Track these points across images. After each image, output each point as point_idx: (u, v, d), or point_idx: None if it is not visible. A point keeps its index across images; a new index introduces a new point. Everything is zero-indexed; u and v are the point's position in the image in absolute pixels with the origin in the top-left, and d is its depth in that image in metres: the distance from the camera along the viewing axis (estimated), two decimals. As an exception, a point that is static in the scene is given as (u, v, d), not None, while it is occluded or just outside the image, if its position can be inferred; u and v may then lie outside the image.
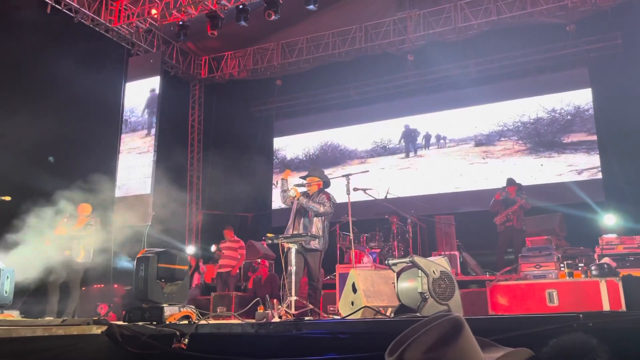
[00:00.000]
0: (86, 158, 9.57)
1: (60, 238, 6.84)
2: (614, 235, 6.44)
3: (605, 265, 5.59)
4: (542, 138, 10.35)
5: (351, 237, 6.56)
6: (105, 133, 10.98)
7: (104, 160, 10.69)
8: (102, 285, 9.34)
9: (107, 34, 11.28)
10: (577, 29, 9.96)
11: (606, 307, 5.48)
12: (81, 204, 7.31)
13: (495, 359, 1.62)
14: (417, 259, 3.77)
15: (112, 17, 11.17)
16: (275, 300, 5.12)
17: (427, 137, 11.49)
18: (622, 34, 9.83)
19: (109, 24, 11.12)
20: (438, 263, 3.82)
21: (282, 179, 6.30)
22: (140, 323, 3.74)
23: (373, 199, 7.93)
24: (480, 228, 9.18)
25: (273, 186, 6.34)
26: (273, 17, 9.92)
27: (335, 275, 7.29)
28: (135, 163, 10.96)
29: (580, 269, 6.19)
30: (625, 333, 2.69)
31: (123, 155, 11.22)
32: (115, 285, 9.37)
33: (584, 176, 9.78)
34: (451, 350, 1.52)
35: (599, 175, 9.65)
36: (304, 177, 6.16)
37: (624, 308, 5.39)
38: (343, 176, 6.31)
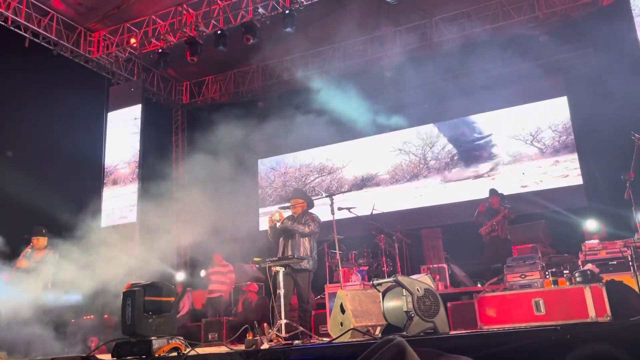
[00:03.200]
0: (70, 190, 9.53)
1: (20, 271, 6.76)
2: (596, 241, 6.54)
3: (589, 272, 5.67)
4: (521, 147, 10.50)
5: (338, 257, 6.59)
6: (88, 163, 10.97)
7: (89, 191, 10.66)
8: (93, 317, 9.24)
9: (87, 65, 11.32)
10: (551, 39, 10.17)
11: (592, 313, 5.54)
12: (35, 236, 7.20)
13: None
14: (401, 278, 3.82)
15: (91, 48, 11.23)
16: (265, 324, 5.14)
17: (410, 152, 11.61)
18: (593, 42, 10.05)
19: (89, 54, 11.17)
20: (422, 281, 3.87)
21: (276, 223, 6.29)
22: (129, 358, 3.73)
23: (358, 216, 7.99)
24: (467, 239, 9.27)
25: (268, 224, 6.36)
26: (251, 41, 10.05)
27: (324, 295, 7.31)
28: (120, 192, 10.94)
29: (565, 276, 6.27)
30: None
31: (107, 186, 11.19)
32: (106, 316, 9.28)
33: (565, 183, 9.93)
34: None
35: (580, 181, 9.81)
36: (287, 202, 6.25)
37: (608, 313, 5.47)
38: (326, 196, 6.37)
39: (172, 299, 4.13)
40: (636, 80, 8.72)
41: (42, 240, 7.23)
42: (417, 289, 3.76)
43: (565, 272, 6.46)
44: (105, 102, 11.76)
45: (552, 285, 5.98)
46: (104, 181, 11.22)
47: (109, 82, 11.97)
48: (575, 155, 9.98)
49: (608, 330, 2.66)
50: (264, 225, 11.34)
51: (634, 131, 6.27)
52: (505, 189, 9.45)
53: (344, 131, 12.14)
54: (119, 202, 10.88)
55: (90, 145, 11.26)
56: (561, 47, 10.31)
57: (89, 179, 11.14)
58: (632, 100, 8.67)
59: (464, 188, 10.69)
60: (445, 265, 8.46)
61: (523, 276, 6.03)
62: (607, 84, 9.00)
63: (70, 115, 10.00)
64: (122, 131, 11.51)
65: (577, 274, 5.87)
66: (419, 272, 8.43)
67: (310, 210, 6.28)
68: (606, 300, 5.51)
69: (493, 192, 8.84)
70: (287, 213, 6.33)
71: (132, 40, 11.08)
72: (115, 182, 11.15)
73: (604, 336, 2.60)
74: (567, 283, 5.99)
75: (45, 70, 10.25)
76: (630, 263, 6.04)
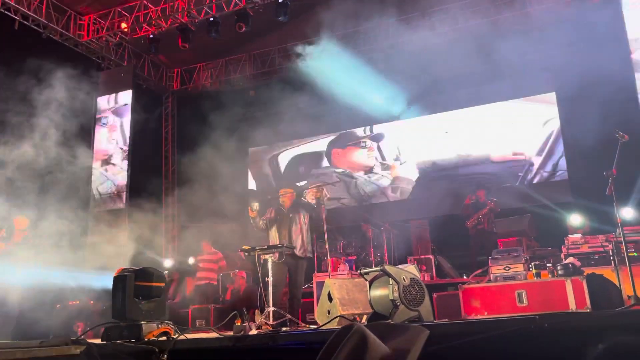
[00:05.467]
0: (59, 175, 9.49)
1: None
2: (578, 236, 6.68)
3: (570, 265, 5.81)
4: (509, 141, 10.61)
5: (327, 246, 6.68)
6: (77, 150, 10.89)
7: (77, 178, 10.61)
8: (78, 302, 9.25)
9: (76, 49, 11.22)
10: (540, 35, 10.22)
11: (572, 305, 5.70)
12: (17, 217, 6.96)
13: (393, 348, 1.82)
14: (388, 268, 3.91)
15: (81, 32, 11.13)
16: (256, 310, 5.23)
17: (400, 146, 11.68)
18: (583, 37, 10.11)
19: (78, 38, 11.07)
20: (408, 270, 3.96)
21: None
22: (119, 341, 3.79)
23: (347, 206, 8.07)
24: (454, 231, 9.39)
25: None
26: (244, 29, 10.03)
27: (312, 284, 7.41)
28: (109, 178, 10.92)
29: (547, 269, 6.41)
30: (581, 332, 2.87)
31: (97, 171, 11.16)
32: (91, 302, 9.29)
33: (551, 178, 10.08)
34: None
35: (566, 177, 9.96)
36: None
37: (588, 305, 5.62)
38: (316, 186, 6.44)
39: (163, 284, 4.19)
40: (624, 77, 8.86)
41: (23, 222, 7.03)
42: (404, 278, 3.84)
43: (548, 265, 6.59)
44: (95, 86, 11.67)
45: (535, 278, 6.11)
46: (93, 166, 11.18)
47: (99, 66, 11.89)
48: (562, 149, 10.10)
49: (586, 320, 2.77)
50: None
51: (619, 129, 6.41)
52: (492, 183, 9.59)
53: (336, 122, 12.18)
54: (107, 188, 10.85)
55: (80, 130, 11.19)
56: (551, 43, 10.37)
57: (78, 165, 11.08)
58: (619, 97, 8.82)
59: (452, 180, 10.80)
60: (432, 257, 8.59)
61: (507, 268, 6.16)
62: (596, 80, 9.12)
63: (59, 99, 9.93)
64: (112, 116, 11.46)
65: (559, 267, 6.02)
66: (406, 262, 8.58)
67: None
68: (586, 292, 5.67)
69: (480, 185, 8.97)
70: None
71: (123, 25, 11.00)
72: (105, 168, 11.11)
73: (581, 326, 2.71)
74: (550, 276, 6.12)
75: (34, 54, 10.15)
76: (612, 257, 6.19)
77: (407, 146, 11.52)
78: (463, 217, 8.87)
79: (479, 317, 6.13)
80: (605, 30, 9.22)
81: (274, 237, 6.45)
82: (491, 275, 6.37)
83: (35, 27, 10.30)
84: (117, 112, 11.41)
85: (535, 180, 10.25)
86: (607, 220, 6.90)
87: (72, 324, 8.75)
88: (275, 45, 11.98)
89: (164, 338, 3.82)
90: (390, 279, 3.83)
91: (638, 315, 3.24)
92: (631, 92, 8.72)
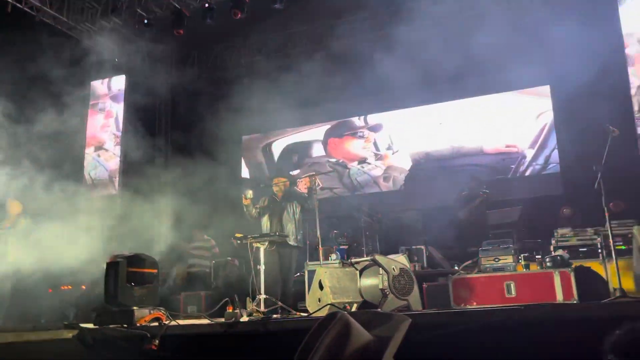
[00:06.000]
0: (50, 161, 9.47)
1: None
2: (568, 229, 6.76)
3: (559, 257, 5.89)
4: (502, 134, 10.66)
5: (319, 235, 6.73)
6: (69, 137, 10.84)
7: (69, 163, 10.58)
8: (71, 287, 9.26)
9: (69, 32, 11.12)
10: (535, 28, 10.20)
11: (559, 297, 5.79)
12: (10, 200, 6.91)
13: (375, 335, 1.88)
14: (378, 257, 3.96)
15: (76, 15, 11.03)
16: (248, 298, 5.28)
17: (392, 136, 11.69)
18: (578, 30, 10.10)
19: (72, 22, 10.97)
20: (398, 261, 4.01)
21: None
22: (111, 326, 3.82)
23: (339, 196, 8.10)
24: (446, 222, 9.44)
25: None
26: (239, 16, 9.98)
27: (304, 272, 7.45)
28: (102, 163, 10.90)
29: (536, 260, 6.50)
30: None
31: (89, 157, 11.13)
32: (83, 287, 9.31)
33: (543, 170, 10.15)
34: (348, 348, 1.80)
35: (558, 169, 10.03)
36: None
37: (575, 297, 5.72)
38: (308, 175, 6.49)
39: (155, 270, 4.23)
40: (617, 71, 8.91)
41: (16, 206, 6.98)
42: (393, 268, 3.89)
43: (537, 256, 6.69)
44: (88, 71, 11.59)
45: (524, 269, 6.19)
46: (86, 151, 11.15)
47: (93, 50, 11.78)
48: (554, 143, 10.16)
49: (573, 311, 2.82)
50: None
51: (612, 122, 6.45)
52: (484, 175, 9.65)
53: (328, 111, 12.18)
54: (100, 173, 10.84)
55: (74, 114, 11.12)
56: (545, 36, 10.36)
57: (72, 148, 11.04)
58: (612, 91, 8.88)
59: (445, 171, 10.86)
60: (423, 247, 8.66)
61: (497, 260, 6.23)
62: (590, 73, 9.16)
63: (52, 84, 9.87)
64: (109, 101, 11.41)
65: (547, 259, 6.10)
66: (397, 252, 8.64)
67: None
68: (574, 284, 5.76)
69: (473, 177, 9.03)
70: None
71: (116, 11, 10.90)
72: (97, 154, 11.09)
73: (566, 317, 2.77)
74: (538, 267, 6.21)
75: (28, 37, 10.07)
76: (599, 250, 6.29)
77: (400, 136, 11.54)
78: (455, 208, 8.93)
79: (468, 307, 6.22)
80: (600, 24, 9.26)
81: (266, 225, 6.52)
82: (481, 266, 6.45)
83: (29, 10, 10.20)
84: (113, 98, 11.36)
85: (528, 173, 10.32)
86: (597, 213, 6.97)
87: (65, 309, 8.77)
88: (271, 33, 11.91)
89: (156, 324, 3.86)
90: (381, 268, 3.88)
91: (622, 306, 3.31)
92: (624, 86, 8.77)
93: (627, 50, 8.86)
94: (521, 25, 9.91)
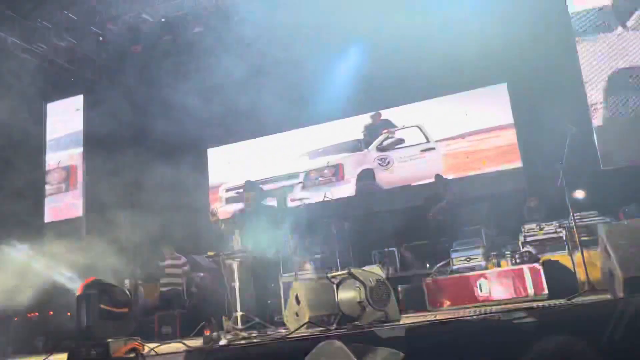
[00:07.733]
0: (9, 184, 9.19)
1: None
2: (534, 224, 6.94)
3: (527, 253, 6.07)
4: (463, 132, 10.79)
5: (291, 246, 6.72)
6: (27, 157, 10.53)
7: (29, 185, 10.27)
8: (37, 314, 8.97)
9: (23, 54, 10.79)
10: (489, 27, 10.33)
11: (531, 291, 5.96)
12: None
13: None
14: (354, 271, 3.97)
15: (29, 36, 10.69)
16: (224, 317, 5.22)
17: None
18: (531, 28, 10.30)
19: (25, 44, 10.65)
20: (374, 272, 4.03)
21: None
22: (85, 361, 3.72)
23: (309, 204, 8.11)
24: (415, 223, 9.54)
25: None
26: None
27: (279, 285, 7.43)
28: (64, 187, 10.62)
29: (506, 257, 6.66)
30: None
31: (50, 180, 10.83)
32: (51, 312, 9.03)
33: (506, 166, 10.34)
34: None
35: (519, 164, 10.22)
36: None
37: (546, 290, 5.89)
38: (279, 188, 6.47)
39: (127, 298, 4.13)
40: (570, 66, 9.18)
41: None
42: (370, 280, 3.91)
43: (506, 253, 6.85)
44: (42, 92, 11.27)
45: (495, 267, 6.34)
46: (47, 177, 10.84)
47: (48, 71, 11.46)
48: (514, 136, 10.34)
49: (550, 314, 2.90)
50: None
51: (568, 117, 6.65)
52: (449, 174, 9.80)
53: (294, 118, 12.05)
54: (63, 197, 10.55)
55: (30, 137, 10.80)
56: (499, 34, 10.51)
57: (29, 172, 10.70)
58: (567, 86, 9.14)
59: (412, 173, 10.94)
60: (394, 249, 8.74)
61: (468, 259, 6.35)
62: (544, 70, 9.41)
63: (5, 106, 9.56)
64: (63, 123, 11.12)
65: (517, 255, 6.27)
66: (370, 256, 8.70)
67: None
68: (543, 279, 5.94)
69: (438, 177, 9.18)
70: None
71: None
72: (59, 178, 10.78)
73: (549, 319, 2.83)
74: (509, 264, 6.36)
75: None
76: (565, 243, 6.48)
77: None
78: (424, 208, 9.05)
79: (443, 308, 6.32)
80: (551, 20, 9.51)
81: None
82: (453, 267, 6.57)
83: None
84: (68, 119, 11.07)
85: (491, 169, 10.47)
86: (561, 206, 7.15)
87: (33, 338, 8.51)
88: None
89: (133, 355, 3.78)
90: (357, 281, 3.90)
91: (586, 307, 3.41)
92: (578, 81, 9.04)
93: (579, 46, 9.12)
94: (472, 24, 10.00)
